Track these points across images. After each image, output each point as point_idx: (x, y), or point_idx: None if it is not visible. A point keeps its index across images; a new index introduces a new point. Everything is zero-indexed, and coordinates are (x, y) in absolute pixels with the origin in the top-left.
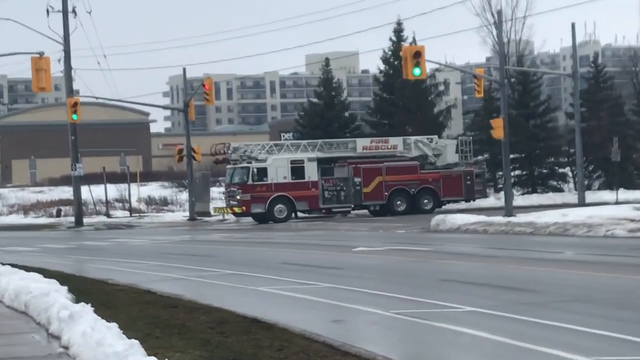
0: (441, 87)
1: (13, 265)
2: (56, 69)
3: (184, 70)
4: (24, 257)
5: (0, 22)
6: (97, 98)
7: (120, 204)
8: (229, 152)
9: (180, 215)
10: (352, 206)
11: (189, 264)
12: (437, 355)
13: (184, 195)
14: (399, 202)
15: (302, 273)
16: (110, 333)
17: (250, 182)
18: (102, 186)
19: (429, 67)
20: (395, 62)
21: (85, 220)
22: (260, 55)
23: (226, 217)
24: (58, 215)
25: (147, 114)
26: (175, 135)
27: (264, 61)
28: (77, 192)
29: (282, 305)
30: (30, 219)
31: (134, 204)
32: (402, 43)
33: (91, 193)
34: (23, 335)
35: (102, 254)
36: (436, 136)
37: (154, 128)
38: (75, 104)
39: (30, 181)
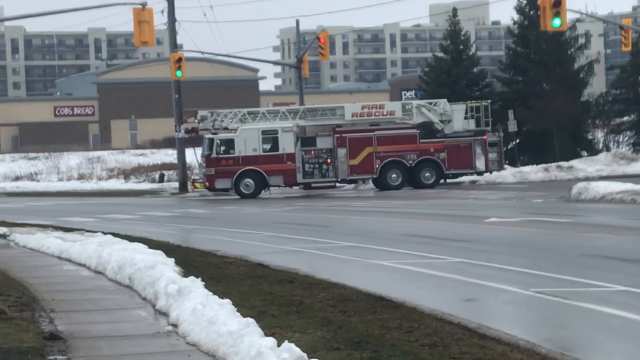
0: (582, 40)
1: (115, 235)
2: (159, 21)
3: (297, 22)
4: (125, 225)
5: None
6: (202, 53)
7: None
8: (196, 120)
9: None
10: (338, 180)
11: (303, 234)
12: (585, 340)
13: None
14: (393, 176)
15: (427, 246)
16: (223, 310)
17: (214, 155)
18: None
19: (569, 17)
20: (531, 12)
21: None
22: (380, 5)
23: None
24: (161, 180)
25: (256, 71)
26: (286, 93)
27: (383, 12)
28: (181, 156)
29: (407, 282)
30: (131, 184)
31: None
32: None
33: (196, 156)
34: (128, 311)
35: (209, 222)
36: (445, 100)
37: (263, 86)
38: (180, 60)
39: (130, 143)
